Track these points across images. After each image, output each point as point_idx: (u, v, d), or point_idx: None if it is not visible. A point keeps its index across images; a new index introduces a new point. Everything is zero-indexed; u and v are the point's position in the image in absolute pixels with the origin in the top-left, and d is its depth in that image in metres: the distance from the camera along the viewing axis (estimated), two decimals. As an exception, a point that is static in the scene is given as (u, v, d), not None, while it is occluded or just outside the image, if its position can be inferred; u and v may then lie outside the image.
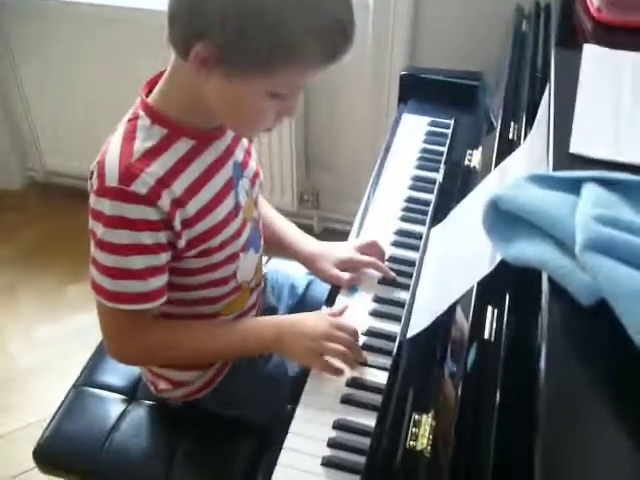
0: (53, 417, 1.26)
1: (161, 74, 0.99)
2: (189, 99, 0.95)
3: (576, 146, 0.82)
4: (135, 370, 1.32)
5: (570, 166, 0.78)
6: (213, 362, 1.20)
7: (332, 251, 1.23)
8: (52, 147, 2.48)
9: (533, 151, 0.94)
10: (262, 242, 1.21)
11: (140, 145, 0.94)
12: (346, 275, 1.20)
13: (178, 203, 0.96)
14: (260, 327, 1.11)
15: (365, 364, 1.07)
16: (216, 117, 0.99)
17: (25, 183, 2.62)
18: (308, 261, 1.25)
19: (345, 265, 1.21)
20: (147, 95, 0.98)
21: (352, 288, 1.20)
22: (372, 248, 1.23)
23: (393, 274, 1.20)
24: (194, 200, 0.99)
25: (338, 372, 1.05)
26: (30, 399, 1.94)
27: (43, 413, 1.77)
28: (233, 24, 0.83)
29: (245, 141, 1.12)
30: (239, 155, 1.08)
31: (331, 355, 1.05)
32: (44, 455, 1.23)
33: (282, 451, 0.97)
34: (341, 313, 1.13)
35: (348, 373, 1.06)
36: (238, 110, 0.95)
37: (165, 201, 0.94)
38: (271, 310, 1.34)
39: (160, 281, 1.00)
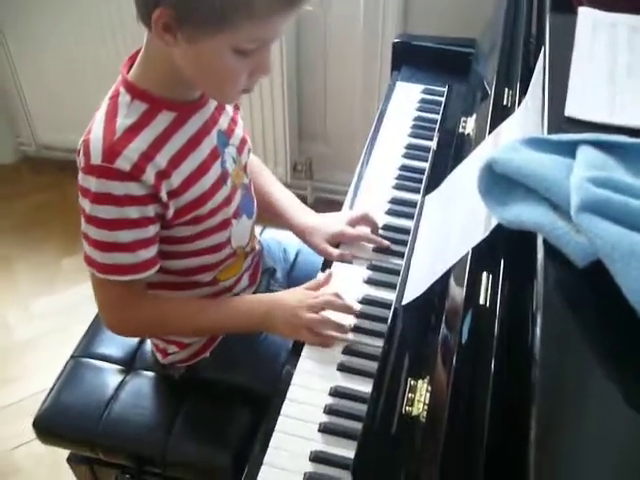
0: (52, 388, 1.27)
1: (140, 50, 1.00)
2: (166, 71, 0.96)
3: (571, 109, 0.82)
4: (133, 341, 1.34)
5: (565, 129, 0.77)
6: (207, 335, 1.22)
7: (324, 226, 1.24)
8: (44, 121, 2.46)
9: (528, 116, 0.94)
10: (255, 207, 1.22)
11: (122, 122, 0.96)
12: (336, 251, 1.20)
13: (163, 175, 0.98)
14: (250, 306, 1.13)
15: (360, 330, 1.08)
16: (195, 87, 1.00)
17: (18, 158, 2.61)
18: (301, 235, 1.26)
19: (336, 239, 1.22)
20: (128, 72, 0.99)
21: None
22: (364, 220, 1.23)
23: (387, 243, 1.20)
24: (178, 171, 1.00)
25: (326, 343, 1.06)
26: (28, 372, 1.96)
27: (41, 385, 1.79)
28: None
29: (230, 109, 1.13)
30: (223, 124, 1.09)
31: (316, 327, 1.06)
32: (43, 425, 1.25)
33: (279, 418, 0.98)
34: (319, 286, 1.13)
35: (343, 341, 1.07)
36: (209, 72, 0.94)
37: (149, 175, 0.96)
38: (271, 271, 1.36)
39: (149, 252, 1.01)
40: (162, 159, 0.97)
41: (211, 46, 0.89)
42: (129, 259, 0.99)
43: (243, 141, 1.15)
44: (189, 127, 1.02)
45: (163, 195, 0.98)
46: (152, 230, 1.00)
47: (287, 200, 1.30)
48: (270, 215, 1.29)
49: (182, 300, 1.15)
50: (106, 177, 0.94)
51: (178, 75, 0.95)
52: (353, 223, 1.22)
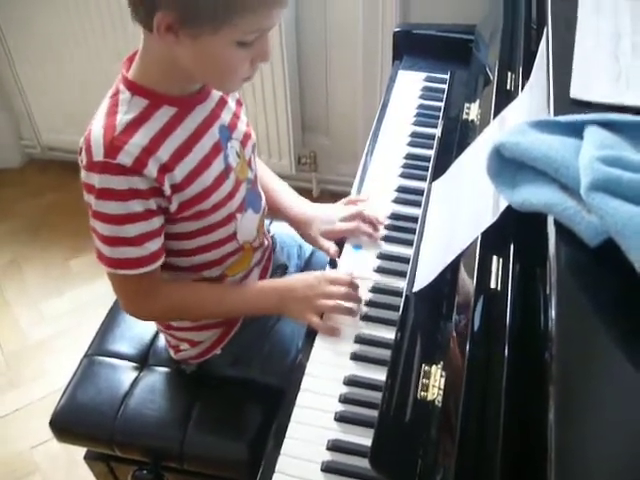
0: (67, 386, 1.28)
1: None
2: (165, 68, 0.97)
3: (576, 90, 0.82)
4: (145, 337, 1.35)
5: (571, 111, 0.77)
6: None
7: (318, 218, 1.25)
8: (48, 123, 2.46)
9: (532, 99, 0.94)
10: (263, 202, 1.22)
11: (122, 118, 0.97)
12: (332, 247, 1.20)
13: (165, 168, 0.99)
14: (263, 293, 1.15)
15: (368, 318, 1.09)
16: (195, 81, 1.02)
17: (24, 161, 2.62)
18: (297, 227, 1.28)
19: (327, 236, 1.23)
20: (127, 71, 1.01)
21: (356, 246, 1.21)
22: (358, 216, 1.23)
23: (378, 235, 1.21)
24: (181, 165, 1.01)
25: (333, 331, 1.07)
26: (42, 372, 1.97)
27: (56, 385, 1.80)
28: None
29: (232, 104, 1.14)
30: (225, 118, 1.10)
31: (325, 311, 1.08)
32: (60, 424, 1.26)
33: (295, 408, 0.99)
34: (337, 281, 1.12)
35: (354, 330, 1.07)
36: (214, 66, 0.96)
37: (152, 169, 0.97)
38: (282, 268, 1.37)
39: (156, 244, 1.03)
40: (164, 153, 0.99)
41: (213, 42, 0.91)
42: (137, 252, 1.01)
43: (247, 136, 1.16)
44: (190, 121, 1.03)
45: (166, 189, 0.99)
46: (156, 222, 1.02)
47: (283, 193, 1.31)
48: (268, 207, 1.28)
49: (199, 288, 1.15)
50: (109, 172, 0.95)
51: (178, 71, 0.97)
52: (347, 220, 1.23)
